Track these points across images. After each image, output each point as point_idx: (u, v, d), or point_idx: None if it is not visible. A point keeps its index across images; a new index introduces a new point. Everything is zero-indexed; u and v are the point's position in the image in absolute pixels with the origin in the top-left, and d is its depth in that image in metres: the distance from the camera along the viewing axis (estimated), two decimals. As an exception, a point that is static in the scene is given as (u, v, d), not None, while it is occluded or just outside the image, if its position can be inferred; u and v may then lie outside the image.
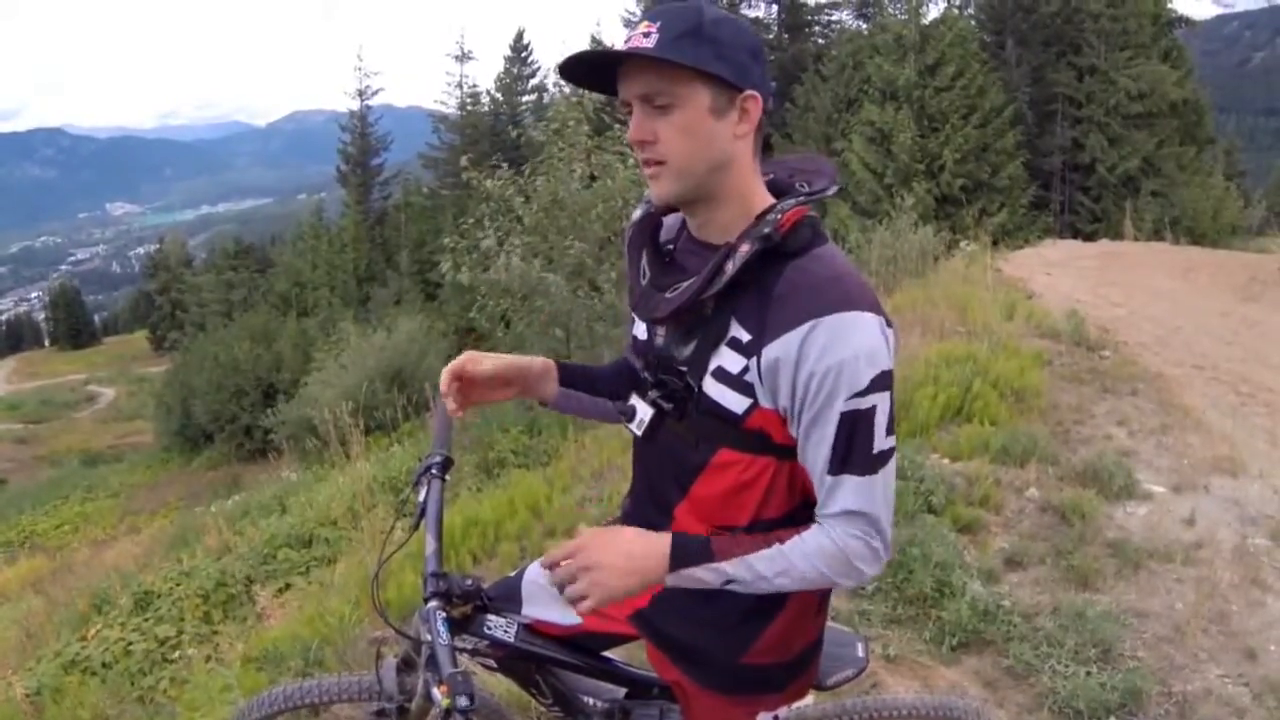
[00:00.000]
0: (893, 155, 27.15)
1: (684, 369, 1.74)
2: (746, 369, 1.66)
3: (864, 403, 1.60)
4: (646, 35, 1.57)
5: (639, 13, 39.67)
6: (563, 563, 1.69)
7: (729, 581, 1.70)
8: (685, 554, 1.69)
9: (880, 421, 1.63)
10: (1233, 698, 3.80)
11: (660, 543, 1.69)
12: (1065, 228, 28.19)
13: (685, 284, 1.69)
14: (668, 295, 1.72)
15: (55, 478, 40.33)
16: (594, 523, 5.55)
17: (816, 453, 1.65)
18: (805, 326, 1.57)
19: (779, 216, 1.64)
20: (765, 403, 1.66)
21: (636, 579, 1.69)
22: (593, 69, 1.70)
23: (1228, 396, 7.93)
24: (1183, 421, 7.05)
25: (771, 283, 1.64)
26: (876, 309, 1.62)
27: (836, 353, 1.56)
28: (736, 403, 1.68)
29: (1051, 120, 30.50)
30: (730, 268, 1.63)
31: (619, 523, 2.11)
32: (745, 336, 1.65)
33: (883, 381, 1.61)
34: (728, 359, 1.68)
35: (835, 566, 1.68)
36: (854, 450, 1.62)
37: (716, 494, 1.78)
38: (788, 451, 1.72)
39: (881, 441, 1.64)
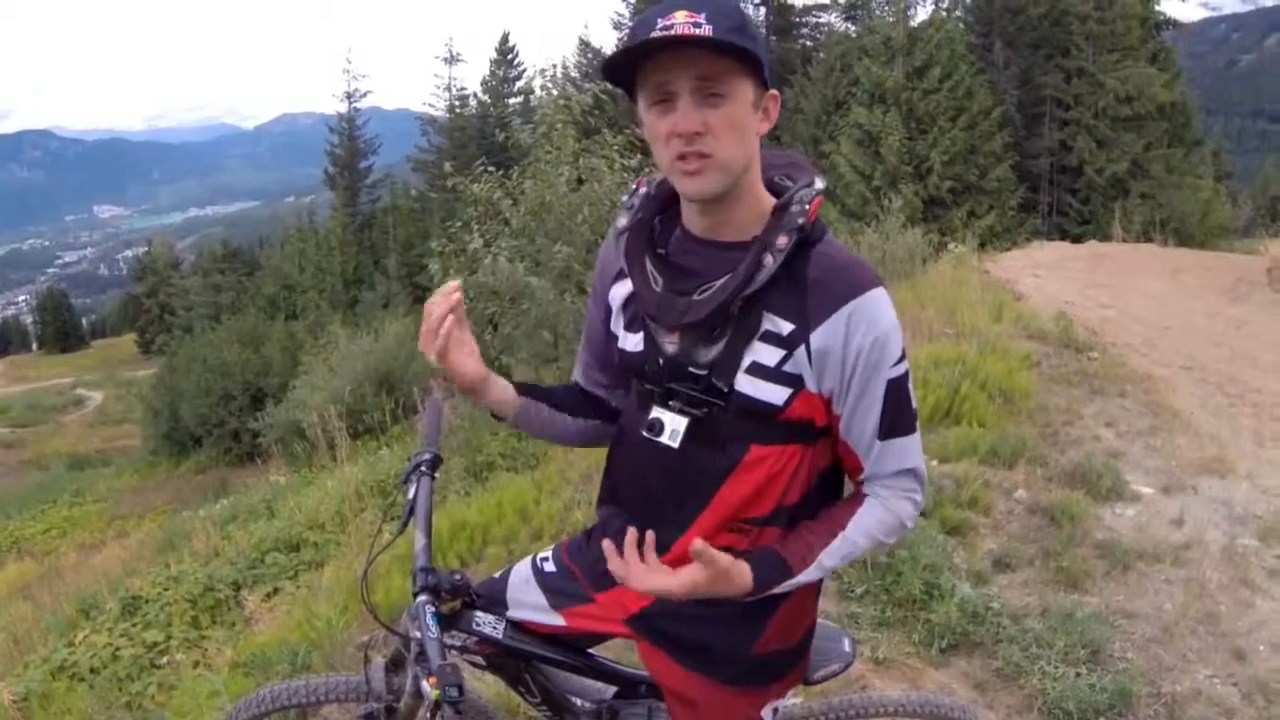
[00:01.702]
0: (881, 157, 27.20)
1: (704, 372, 1.72)
2: (787, 359, 1.68)
3: (901, 369, 1.70)
4: (696, 25, 1.52)
5: (627, 15, 39.67)
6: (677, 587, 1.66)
7: (799, 584, 1.77)
8: (768, 581, 1.73)
9: (910, 382, 1.74)
10: (1222, 698, 3.80)
11: (744, 575, 1.70)
12: (1053, 229, 28.25)
13: (718, 284, 1.69)
14: (696, 298, 1.70)
15: (42, 482, 40.17)
16: (580, 528, 5.54)
17: (864, 422, 1.72)
18: (848, 308, 1.64)
19: (806, 207, 1.67)
20: (812, 388, 1.70)
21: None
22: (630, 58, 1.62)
23: (1215, 397, 7.95)
24: (1171, 423, 7.07)
25: (801, 271, 1.67)
26: (884, 284, 1.70)
27: (877, 328, 1.65)
28: (775, 395, 1.70)
29: (1039, 122, 30.59)
30: (770, 262, 1.65)
31: (600, 532, 2.08)
32: (786, 328, 1.67)
33: (905, 348, 1.71)
34: (763, 353, 1.69)
35: (890, 531, 1.81)
36: (900, 414, 1.74)
37: (744, 494, 1.78)
38: (815, 436, 1.77)
39: (914, 401, 1.76)
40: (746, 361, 1.70)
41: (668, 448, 1.79)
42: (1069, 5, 29.63)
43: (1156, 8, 30.42)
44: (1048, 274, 13.63)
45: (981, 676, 3.89)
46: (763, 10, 39.30)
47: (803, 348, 1.66)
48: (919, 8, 31.61)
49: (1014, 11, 31.36)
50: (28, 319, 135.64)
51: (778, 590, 1.75)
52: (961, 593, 4.34)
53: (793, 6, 40.08)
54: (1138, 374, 8.26)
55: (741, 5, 37.57)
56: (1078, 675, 3.78)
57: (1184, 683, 3.89)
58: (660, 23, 1.55)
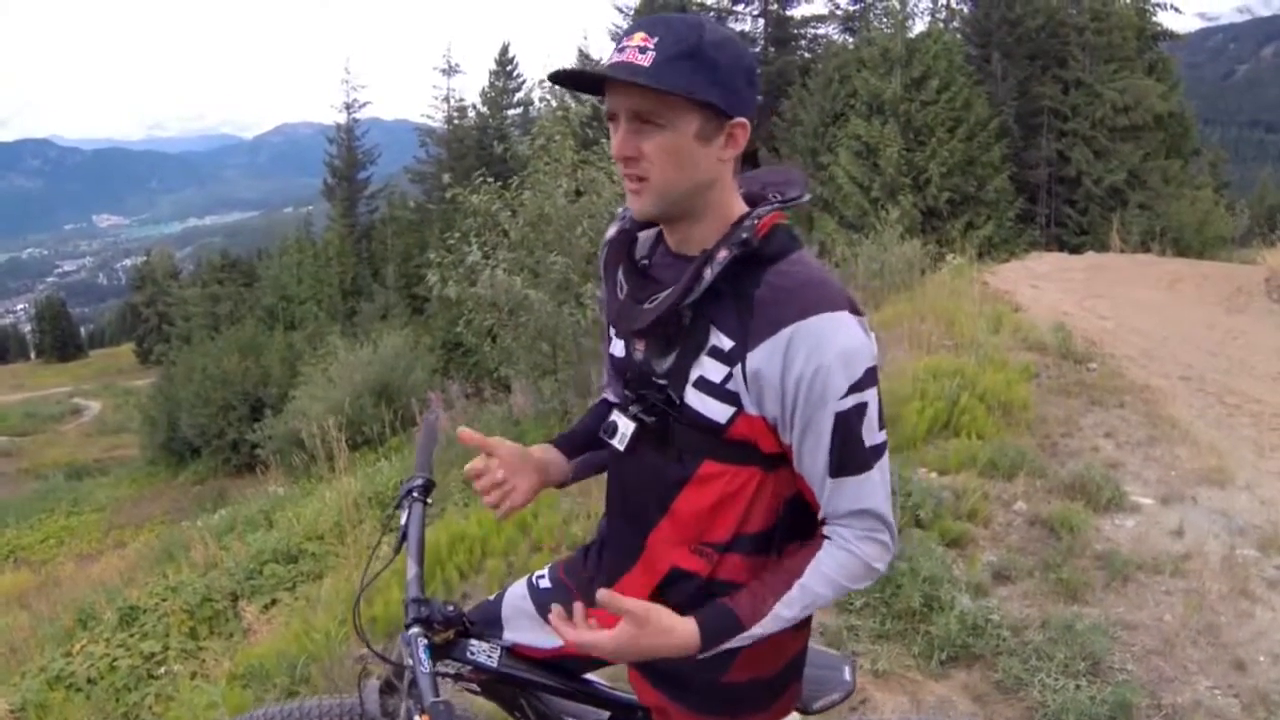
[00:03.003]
0: (879, 169, 27.16)
1: (663, 381, 1.74)
2: (729, 377, 1.66)
3: (853, 401, 1.62)
4: (643, 50, 1.55)
5: (626, 28, 39.67)
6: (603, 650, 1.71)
7: (759, 637, 1.74)
8: (717, 635, 1.70)
9: (871, 417, 1.66)
10: (1222, 709, 3.79)
11: (688, 634, 1.69)
12: (1051, 240, 28.21)
13: (664, 294, 1.70)
14: (646, 306, 1.72)
15: (40, 491, 40.12)
16: (579, 541, 5.53)
17: (814, 457, 1.67)
18: (788, 331, 1.59)
19: (755, 222, 1.66)
20: (751, 410, 1.67)
21: (677, 654, 1.71)
22: (583, 74, 1.69)
23: (1214, 408, 7.95)
24: (1170, 433, 7.07)
25: (751, 289, 1.64)
26: (854, 309, 1.64)
27: (821, 355, 1.58)
28: (719, 412, 1.68)
29: (1037, 133, 30.56)
30: (709, 274, 1.63)
31: (597, 546, 2.10)
32: (727, 344, 1.66)
33: (869, 378, 1.64)
34: (709, 368, 1.68)
35: (854, 576, 1.74)
36: (850, 450, 1.66)
37: (699, 509, 1.77)
38: (772, 461, 1.73)
39: (874, 437, 1.68)
40: (694, 375, 1.70)
41: (618, 451, 1.83)
42: (1066, 17, 29.65)
43: (1153, 19, 30.41)
44: (1046, 285, 13.65)
45: (981, 689, 3.88)
46: (761, 22, 39.33)
47: (739, 366, 1.64)
48: (917, 19, 31.57)
49: (1011, 23, 31.36)
50: (26, 328, 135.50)
51: (734, 644, 1.72)
52: (961, 605, 4.33)
53: (791, 18, 40.05)
54: (1136, 385, 8.27)
55: (735, 19, 37.71)
56: (1078, 687, 3.77)
57: (1184, 694, 3.88)
58: (622, 43, 1.60)
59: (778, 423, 1.67)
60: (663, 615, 1.67)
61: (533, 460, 2.02)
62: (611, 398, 2.09)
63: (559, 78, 1.69)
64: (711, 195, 1.69)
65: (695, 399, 1.70)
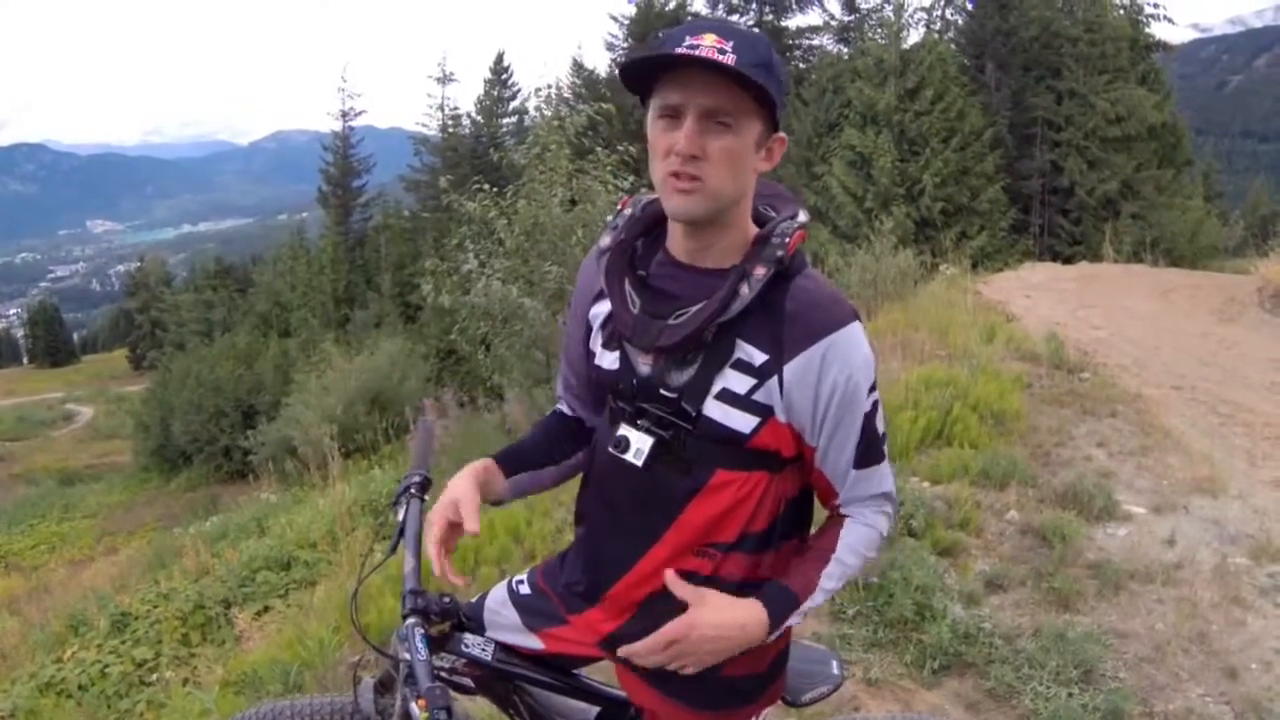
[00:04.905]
0: (873, 179, 27.16)
1: (674, 395, 1.74)
2: (757, 388, 1.70)
3: (872, 401, 1.75)
4: (722, 51, 1.54)
5: (621, 37, 39.74)
6: (657, 652, 1.76)
7: (806, 612, 1.82)
8: (782, 612, 1.77)
9: (881, 411, 1.79)
10: (1214, 717, 3.81)
11: (756, 611, 1.74)
12: (1045, 250, 28.24)
13: (693, 309, 1.71)
14: (671, 322, 1.72)
15: (31, 497, 39.94)
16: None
17: (840, 453, 1.77)
18: (823, 344, 1.66)
19: (786, 240, 1.69)
20: (782, 418, 1.72)
21: (743, 645, 1.76)
22: (648, 67, 1.65)
23: (1207, 417, 7.96)
24: (1162, 443, 7.08)
25: (779, 303, 1.69)
26: (860, 317, 1.73)
27: (850, 365, 1.68)
28: (743, 423, 1.71)
29: (1031, 143, 30.58)
30: (746, 290, 1.67)
31: (574, 554, 2.09)
32: (759, 357, 1.69)
33: (877, 378, 1.76)
34: (734, 380, 1.71)
35: (873, 545, 1.88)
36: (873, 444, 1.79)
37: (708, 517, 1.79)
38: (781, 464, 1.78)
39: (883, 427, 1.81)
40: (717, 387, 1.72)
41: (633, 466, 1.82)
42: (1059, 28, 29.69)
43: (1146, 30, 30.49)
44: (1039, 295, 13.67)
45: (974, 697, 3.89)
46: (756, 32, 39.39)
47: (775, 379, 1.68)
48: (911, 30, 31.58)
49: (1005, 34, 31.42)
50: (19, 333, 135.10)
51: (791, 622, 1.79)
52: (953, 613, 4.34)
53: (786, 29, 40.11)
54: (1129, 394, 8.28)
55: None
56: (1070, 695, 3.78)
57: (1176, 701, 3.89)
58: (688, 40, 1.57)
59: (804, 429, 1.74)
60: (719, 595, 1.76)
61: (472, 513, 1.93)
62: (566, 406, 2.15)
63: (633, 66, 1.64)
64: (742, 206, 1.73)
65: (717, 411, 1.72)
